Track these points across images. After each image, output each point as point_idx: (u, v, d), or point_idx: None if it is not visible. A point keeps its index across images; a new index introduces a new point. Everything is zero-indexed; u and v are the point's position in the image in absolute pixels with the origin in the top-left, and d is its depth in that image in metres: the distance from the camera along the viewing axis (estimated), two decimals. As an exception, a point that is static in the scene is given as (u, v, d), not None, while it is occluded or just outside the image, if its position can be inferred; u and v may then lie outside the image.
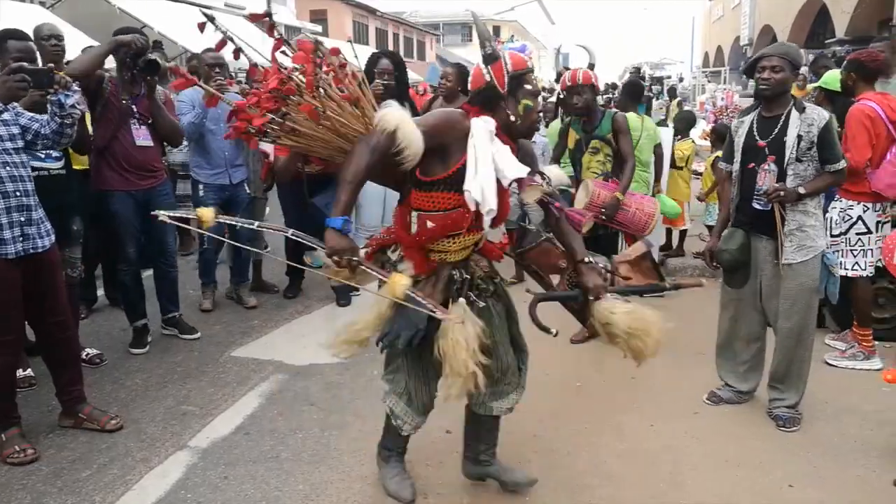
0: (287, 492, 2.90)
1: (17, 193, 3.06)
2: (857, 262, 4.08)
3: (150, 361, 4.25)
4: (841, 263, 4.08)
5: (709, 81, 21.76)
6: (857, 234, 4.09)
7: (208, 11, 3.10)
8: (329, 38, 23.08)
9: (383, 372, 2.79)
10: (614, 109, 4.91)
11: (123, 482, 2.97)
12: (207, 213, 2.51)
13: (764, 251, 3.42)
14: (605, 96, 12.47)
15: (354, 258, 2.33)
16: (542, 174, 2.66)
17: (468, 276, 2.62)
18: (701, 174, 6.81)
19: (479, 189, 2.38)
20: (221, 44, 2.74)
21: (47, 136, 3.18)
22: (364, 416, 3.53)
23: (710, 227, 6.27)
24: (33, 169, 3.46)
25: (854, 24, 13.74)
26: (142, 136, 4.20)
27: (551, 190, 2.65)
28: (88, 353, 4.18)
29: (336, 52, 2.56)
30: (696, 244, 6.79)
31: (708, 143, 7.57)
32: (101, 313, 5.15)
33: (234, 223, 2.71)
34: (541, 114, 5.70)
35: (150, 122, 4.22)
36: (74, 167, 4.14)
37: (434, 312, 2.31)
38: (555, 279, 3.03)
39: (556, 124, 6.48)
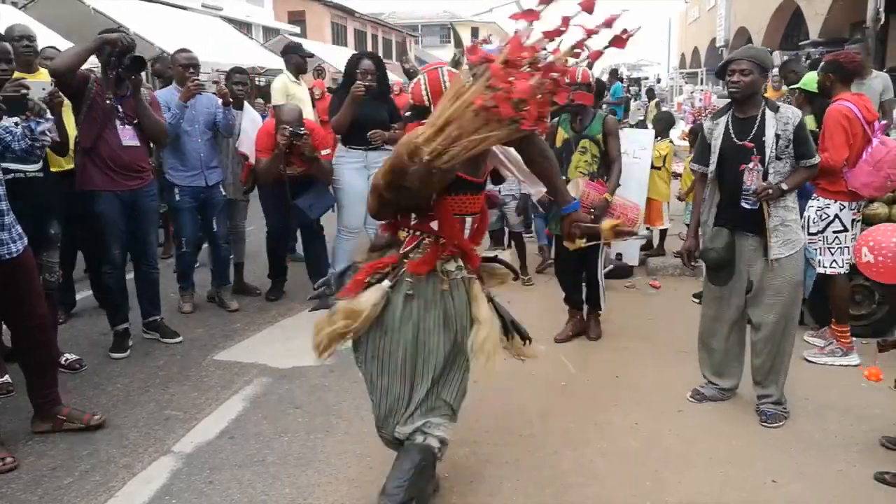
0: (273, 496, 2.88)
1: None
2: (834, 260, 4.14)
3: (131, 366, 4.19)
4: (819, 262, 4.15)
5: (686, 82, 22.01)
6: (834, 232, 4.15)
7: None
8: (307, 39, 23.00)
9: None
10: (604, 111, 4.94)
11: (106, 489, 2.93)
12: None
13: (750, 249, 3.46)
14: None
15: None
16: None
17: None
18: (680, 175, 6.87)
19: None
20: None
21: (16, 151, 3.17)
22: (349, 418, 3.51)
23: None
24: (9, 171, 3.41)
25: (827, 26, 13.97)
26: (128, 136, 4.15)
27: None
28: (68, 359, 4.11)
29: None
30: (676, 243, 6.85)
31: (686, 144, 7.65)
32: (80, 318, 5.07)
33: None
34: None
35: (135, 121, 4.17)
36: (52, 169, 4.08)
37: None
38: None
39: None
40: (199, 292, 5.40)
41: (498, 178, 2.87)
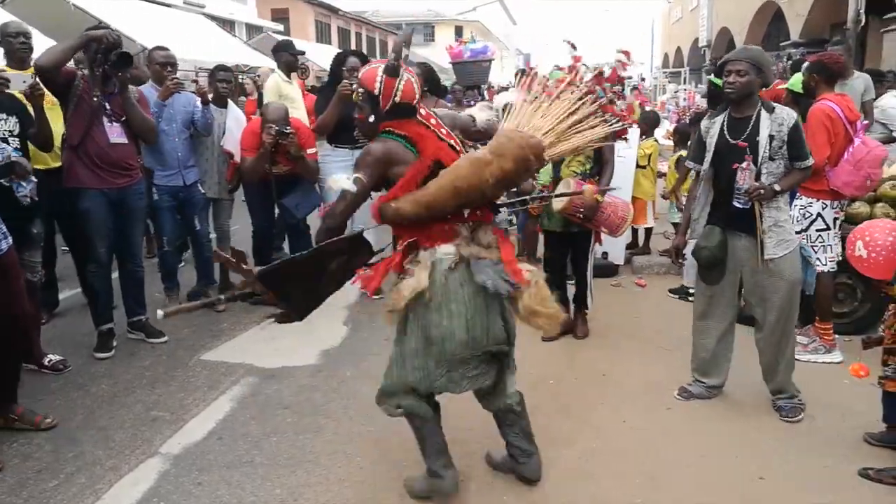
0: (263, 496, 2.86)
1: None
2: (818, 258, 4.19)
3: (116, 366, 4.15)
4: (816, 260, 4.20)
5: (669, 82, 22.16)
6: (818, 230, 4.20)
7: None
8: (291, 37, 22.87)
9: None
10: None
11: (93, 491, 2.90)
12: None
13: (742, 249, 3.49)
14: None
15: None
16: None
17: None
18: (665, 174, 6.91)
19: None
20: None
21: None
22: (338, 418, 3.50)
23: (675, 225, 6.38)
24: (-11, 170, 3.37)
25: (808, 27, 14.12)
26: (115, 134, 4.10)
27: None
28: (51, 359, 4.07)
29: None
30: (661, 242, 6.90)
31: (671, 143, 7.70)
32: (63, 318, 5.01)
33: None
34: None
35: (123, 119, 4.13)
36: (38, 167, 4.04)
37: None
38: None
39: None
40: (185, 292, 5.35)
41: None
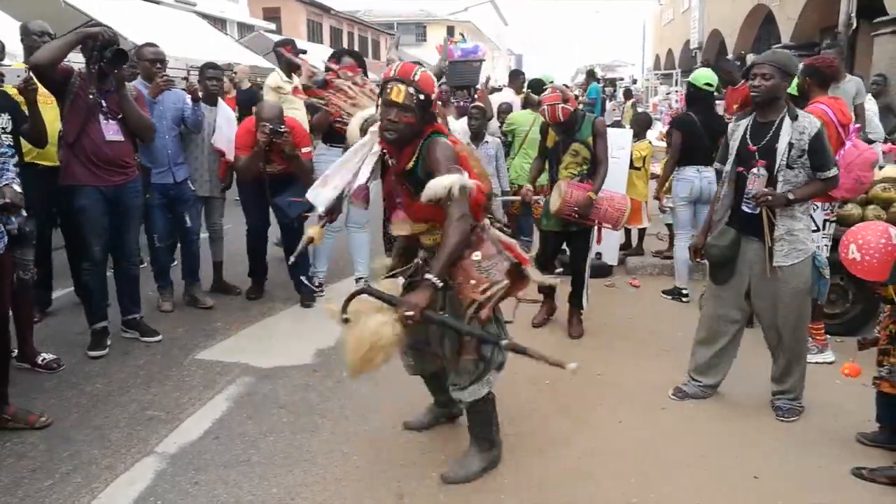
0: (261, 496, 2.86)
1: None
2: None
3: (110, 365, 4.12)
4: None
5: (661, 84, 22.25)
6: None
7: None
8: (282, 35, 22.80)
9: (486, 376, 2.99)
10: (593, 114, 5.04)
11: (89, 490, 2.88)
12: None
13: (753, 253, 3.50)
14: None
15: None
16: None
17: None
18: (658, 175, 6.94)
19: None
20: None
21: None
22: (335, 418, 3.50)
23: (669, 226, 6.42)
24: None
25: (798, 30, 14.20)
26: (112, 132, 4.08)
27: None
28: (45, 358, 4.04)
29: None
30: (654, 243, 6.94)
31: (664, 145, 7.72)
32: (56, 316, 4.98)
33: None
34: (473, 121, 5.87)
35: (120, 116, 4.11)
36: (36, 162, 4.01)
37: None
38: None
39: (527, 114, 6.59)
40: (179, 290, 5.33)
41: None
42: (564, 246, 5.02)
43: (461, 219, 2.63)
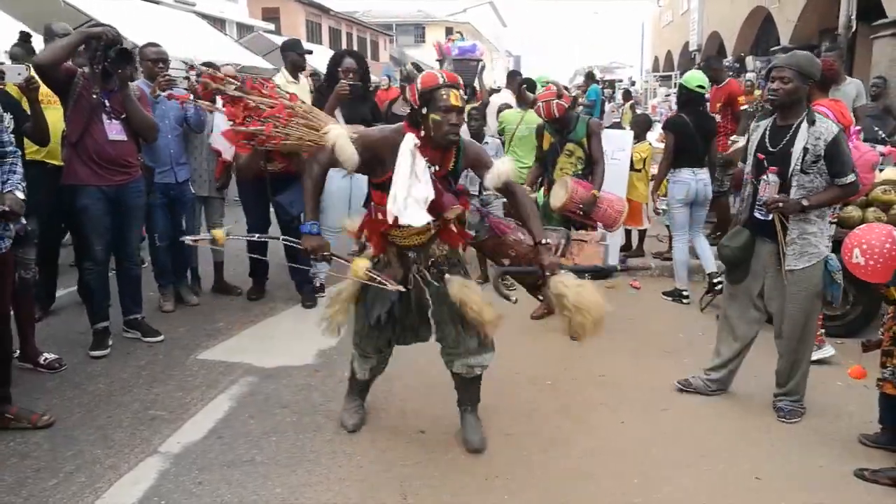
0: (265, 496, 2.86)
1: None
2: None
3: (112, 365, 4.12)
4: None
5: (660, 85, 22.27)
6: None
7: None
8: (281, 36, 22.79)
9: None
10: (586, 114, 5.08)
11: (93, 490, 2.88)
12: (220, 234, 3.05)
13: (767, 254, 3.51)
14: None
15: (327, 253, 2.99)
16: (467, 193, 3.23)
17: (429, 258, 3.10)
18: (659, 177, 6.96)
19: (393, 199, 2.82)
20: None
21: None
22: (338, 418, 3.50)
23: (668, 227, 6.43)
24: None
25: (798, 32, 14.22)
26: (115, 131, 4.09)
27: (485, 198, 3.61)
28: (47, 358, 4.04)
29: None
30: (654, 244, 6.96)
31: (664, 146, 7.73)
32: (58, 316, 4.98)
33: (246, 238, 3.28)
34: (473, 122, 5.89)
35: (123, 116, 4.11)
36: (45, 161, 4.00)
37: (385, 285, 2.91)
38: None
39: (515, 112, 6.61)
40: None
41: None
42: None
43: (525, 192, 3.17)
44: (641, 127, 7.07)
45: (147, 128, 4.29)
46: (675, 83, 21.45)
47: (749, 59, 14.90)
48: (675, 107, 14.24)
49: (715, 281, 5.48)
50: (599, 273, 6.06)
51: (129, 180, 4.21)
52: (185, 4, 19.99)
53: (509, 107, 7.11)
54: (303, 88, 6.17)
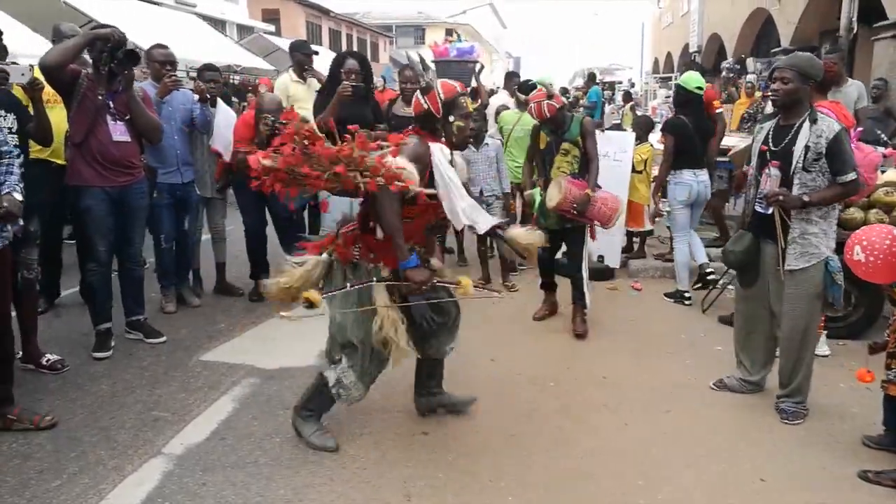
0: (269, 497, 2.86)
1: None
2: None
3: (115, 366, 4.12)
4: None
5: (660, 87, 22.27)
6: None
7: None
8: (282, 37, 22.80)
9: (334, 347, 3.17)
10: (582, 114, 5.11)
11: (97, 491, 2.88)
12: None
13: (769, 255, 3.53)
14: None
15: (435, 280, 3.04)
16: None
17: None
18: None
19: (458, 212, 2.94)
20: None
21: None
22: (341, 419, 3.49)
23: (669, 229, 6.43)
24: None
25: (798, 34, 14.20)
26: (119, 132, 4.09)
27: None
28: (49, 359, 4.03)
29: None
30: (656, 246, 6.96)
31: (665, 147, 7.72)
32: (60, 317, 4.98)
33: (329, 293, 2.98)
34: (474, 123, 5.91)
35: (127, 117, 4.12)
36: (49, 159, 4.00)
37: (493, 295, 3.40)
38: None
39: (512, 113, 6.64)
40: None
41: None
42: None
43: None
44: (643, 128, 7.07)
45: (151, 129, 4.30)
46: (672, 84, 21.47)
47: (750, 61, 14.88)
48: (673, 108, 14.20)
49: (707, 272, 5.52)
50: (601, 275, 6.10)
51: (133, 181, 4.22)
52: (185, 5, 20.00)
53: (507, 108, 7.12)
54: (309, 88, 6.18)
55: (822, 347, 4.33)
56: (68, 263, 5.26)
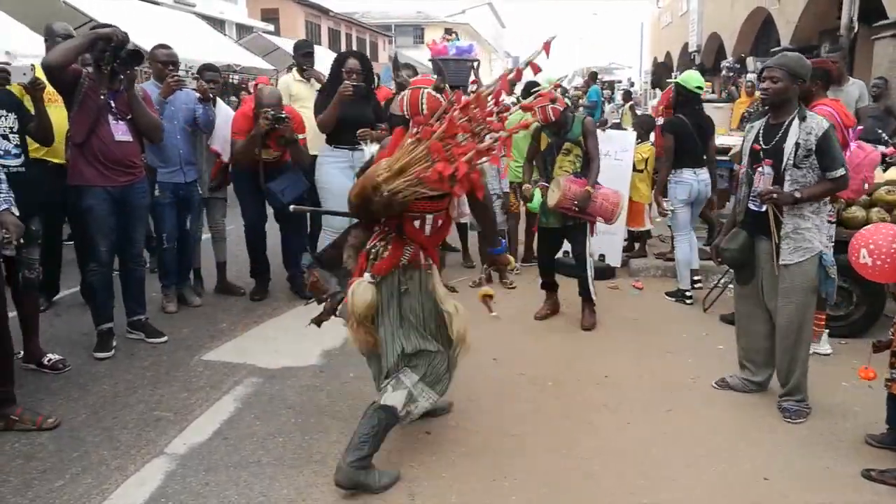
0: (272, 497, 2.86)
1: None
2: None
3: (116, 366, 4.12)
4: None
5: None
6: None
7: None
8: (281, 37, 22.81)
9: (393, 368, 3.05)
10: (582, 114, 5.13)
11: (100, 491, 2.88)
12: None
13: (763, 251, 3.57)
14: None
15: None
16: None
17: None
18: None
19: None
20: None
21: None
22: (344, 418, 3.49)
23: (670, 227, 6.43)
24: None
25: (798, 33, 14.22)
26: (120, 132, 4.09)
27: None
28: (50, 359, 4.03)
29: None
30: (657, 245, 6.96)
31: (666, 147, 7.72)
32: (61, 317, 4.97)
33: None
34: None
35: (129, 117, 4.12)
36: (46, 159, 3.99)
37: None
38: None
39: (517, 115, 6.62)
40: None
41: None
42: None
43: None
44: (644, 127, 7.07)
45: (153, 128, 4.29)
46: (671, 84, 21.47)
47: (750, 60, 14.89)
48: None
49: (694, 279, 5.56)
50: (602, 274, 6.11)
51: (134, 181, 4.21)
52: (184, 5, 20.00)
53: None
54: (312, 87, 6.19)
55: (824, 346, 4.35)
56: (67, 263, 5.26)
